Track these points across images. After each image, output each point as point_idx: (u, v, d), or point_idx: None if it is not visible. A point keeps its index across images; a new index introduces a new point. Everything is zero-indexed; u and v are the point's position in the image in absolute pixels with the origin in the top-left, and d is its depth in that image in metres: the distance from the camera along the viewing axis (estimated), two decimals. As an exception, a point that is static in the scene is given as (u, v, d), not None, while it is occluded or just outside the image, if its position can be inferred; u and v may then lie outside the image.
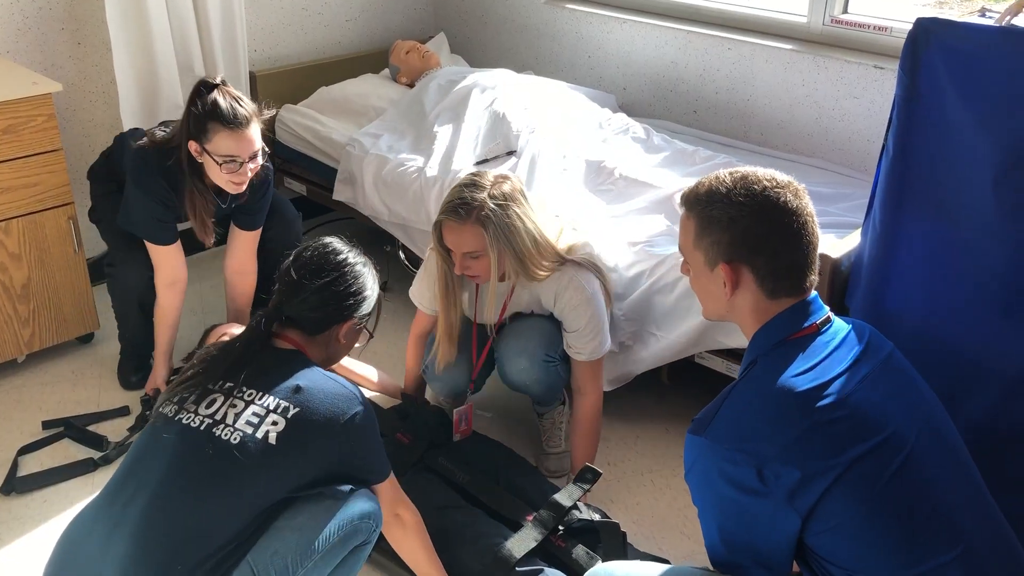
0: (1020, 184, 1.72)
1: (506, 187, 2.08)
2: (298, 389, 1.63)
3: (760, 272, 1.42)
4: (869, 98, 2.84)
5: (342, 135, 3.20)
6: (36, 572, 1.67)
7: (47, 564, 1.61)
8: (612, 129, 3.07)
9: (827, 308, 1.48)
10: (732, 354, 2.36)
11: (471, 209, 2.02)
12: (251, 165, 2.37)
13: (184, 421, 1.61)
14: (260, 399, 1.62)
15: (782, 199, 1.41)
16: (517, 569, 1.91)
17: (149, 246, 2.53)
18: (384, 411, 2.39)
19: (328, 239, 1.84)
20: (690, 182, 2.65)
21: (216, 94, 2.31)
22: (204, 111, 2.29)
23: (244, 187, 2.42)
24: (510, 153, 2.94)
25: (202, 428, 1.59)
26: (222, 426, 1.59)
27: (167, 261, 2.56)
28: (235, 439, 1.57)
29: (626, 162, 2.86)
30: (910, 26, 1.85)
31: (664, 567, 1.61)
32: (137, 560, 1.50)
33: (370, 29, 3.86)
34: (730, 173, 1.45)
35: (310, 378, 1.66)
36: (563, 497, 2.06)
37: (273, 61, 3.57)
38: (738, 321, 1.50)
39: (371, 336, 1.92)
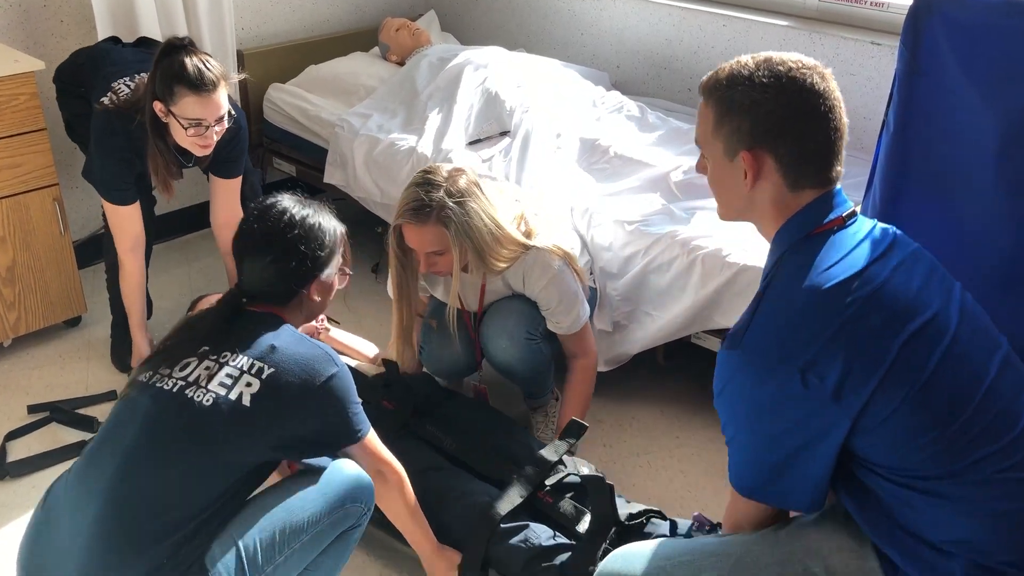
0: (1022, 160, 1.69)
1: (462, 182, 2.04)
2: (272, 349, 1.59)
3: (783, 159, 1.35)
4: (866, 75, 2.81)
5: (331, 114, 3.15)
6: (25, 559, 1.64)
7: (25, 532, 1.59)
8: (606, 107, 3.04)
9: (852, 202, 1.42)
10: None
11: (430, 210, 2.00)
12: (217, 128, 2.32)
13: (158, 385, 1.57)
14: (234, 360, 1.58)
15: (809, 80, 1.33)
16: (502, 526, 1.89)
17: (107, 207, 2.51)
18: (369, 379, 2.36)
19: (271, 200, 1.75)
20: (684, 160, 2.66)
21: (183, 55, 2.25)
22: (171, 73, 2.24)
23: (210, 150, 2.39)
24: (503, 133, 2.90)
25: (175, 390, 1.55)
26: (195, 388, 1.55)
27: (128, 223, 2.53)
28: (208, 400, 1.53)
29: (621, 140, 2.82)
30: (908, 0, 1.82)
31: (682, 544, 1.56)
32: (107, 525, 1.47)
33: (359, 6, 3.79)
34: (752, 57, 1.38)
35: (284, 339, 1.62)
36: (548, 452, 2.05)
37: (261, 39, 3.50)
38: (757, 218, 1.43)
39: (350, 274, 1.85)
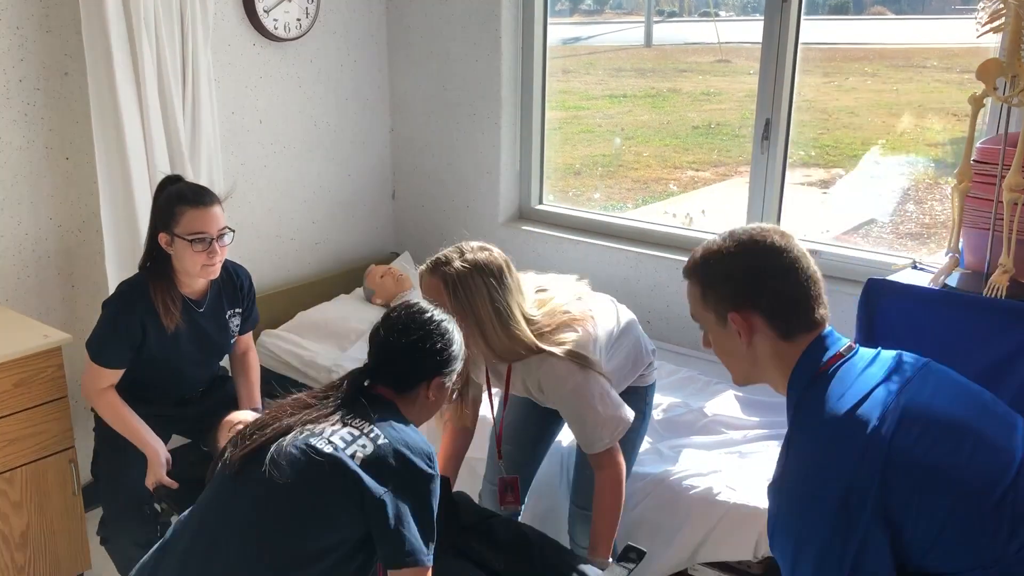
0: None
1: (482, 256, 2.12)
2: (391, 426, 1.75)
3: (767, 312, 1.48)
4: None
5: (326, 358, 3.37)
6: None
7: None
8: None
9: (847, 340, 1.54)
10: (724, 566, 2.55)
11: (439, 265, 2.12)
12: (219, 244, 2.45)
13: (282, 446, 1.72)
14: (358, 423, 1.74)
15: (768, 240, 1.51)
16: None
17: (89, 369, 2.52)
18: None
19: (414, 300, 1.94)
20: (663, 399, 2.94)
21: (178, 183, 2.48)
22: (170, 198, 2.43)
23: (218, 269, 2.50)
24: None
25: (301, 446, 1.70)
26: (318, 437, 1.71)
27: (105, 380, 2.53)
28: (328, 449, 1.69)
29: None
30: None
31: None
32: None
33: (339, 253, 4.12)
34: (719, 235, 1.57)
35: (400, 426, 1.77)
36: None
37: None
38: (767, 375, 1.55)
39: (454, 394, 1.95)
